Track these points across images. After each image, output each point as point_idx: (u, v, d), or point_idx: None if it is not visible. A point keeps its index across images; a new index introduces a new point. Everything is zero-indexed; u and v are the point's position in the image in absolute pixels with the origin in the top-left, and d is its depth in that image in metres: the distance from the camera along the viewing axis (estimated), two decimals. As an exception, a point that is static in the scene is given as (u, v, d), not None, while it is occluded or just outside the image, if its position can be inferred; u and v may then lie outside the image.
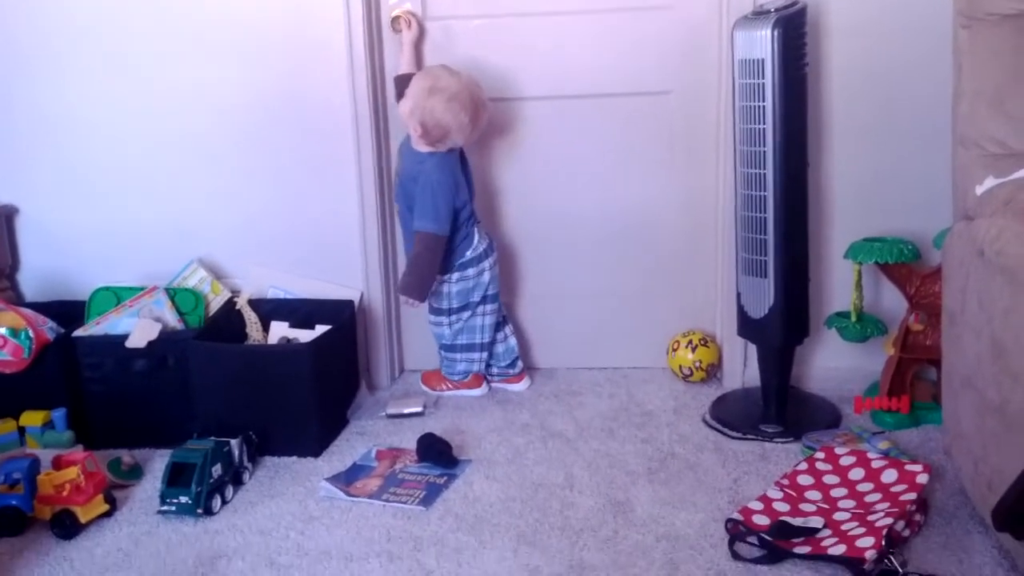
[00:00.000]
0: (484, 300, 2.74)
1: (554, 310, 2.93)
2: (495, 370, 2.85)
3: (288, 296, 2.81)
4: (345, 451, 2.47)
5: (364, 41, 2.67)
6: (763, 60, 2.30)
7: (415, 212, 2.60)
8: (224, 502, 2.21)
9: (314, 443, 2.46)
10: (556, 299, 2.92)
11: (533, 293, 2.93)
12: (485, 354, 2.79)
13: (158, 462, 2.38)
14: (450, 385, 2.81)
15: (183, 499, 2.14)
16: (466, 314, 2.73)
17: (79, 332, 2.57)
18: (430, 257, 2.62)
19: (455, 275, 2.69)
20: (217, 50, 2.73)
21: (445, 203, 2.58)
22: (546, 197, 2.85)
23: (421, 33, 2.73)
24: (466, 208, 2.65)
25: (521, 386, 2.83)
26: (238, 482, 2.29)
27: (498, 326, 2.82)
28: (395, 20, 2.72)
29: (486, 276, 2.71)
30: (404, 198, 2.66)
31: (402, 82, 2.65)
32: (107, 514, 2.17)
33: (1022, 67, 1.84)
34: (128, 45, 2.76)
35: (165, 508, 2.16)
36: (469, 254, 2.68)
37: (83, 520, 2.10)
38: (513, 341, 2.84)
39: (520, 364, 2.86)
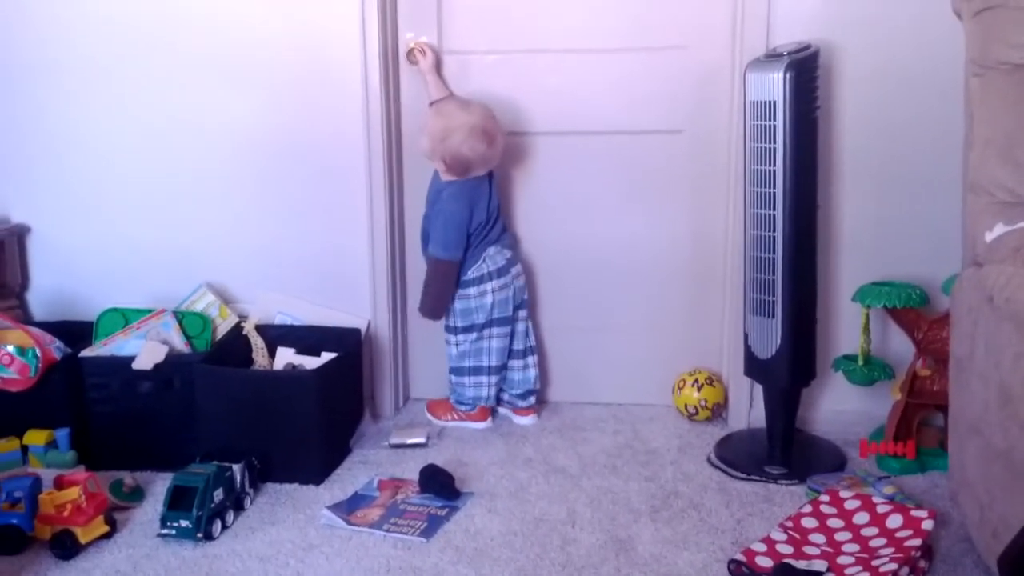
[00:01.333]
0: (491, 323, 2.74)
1: (561, 343, 2.94)
2: (506, 396, 2.85)
3: (295, 323, 2.81)
4: (347, 480, 2.46)
5: (380, 73, 2.70)
6: (775, 102, 2.31)
7: (430, 236, 2.69)
8: (224, 527, 2.20)
9: (316, 471, 2.45)
10: (563, 332, 2.93)
11: (541, 325, 2.94)
12: (495, 378, 2.78)
13: (160, 485, 2.36)
14: (455, 416, 2.81)
15: (183, 523, 2.13)
16: (472, 335, 2.74)
17: (86, 352, 2.58)
18: (441, 280, 2.70)
19: (456, 292, 2.72)
20: (234, 79, 2.77)
21: (456, 231, 2.64)
22: (555, 230, 2.87)
23: (438, 61, 2.77)
24: (480, 231, 2.68)
25: (527, 420, 2.83)
26: (239, 507, 2.28)
27: (517, 353, 2.81)
28: (410, 52, 2.77)
29: (488, 298, 2.72)
30: (426, 220, 2.74)
31: None
32: (107, 536, 2.16)
33: (1033, 116, 1.85)
34: (146, 71, 2.80)
35: (165, 531, 2.15)
36: (471, 274, 2.70)
37: (83, 541, 2.09)
38: (533, 373, 2.83)
39: (533, 399, 2.85)
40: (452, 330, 2.77)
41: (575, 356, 2.93)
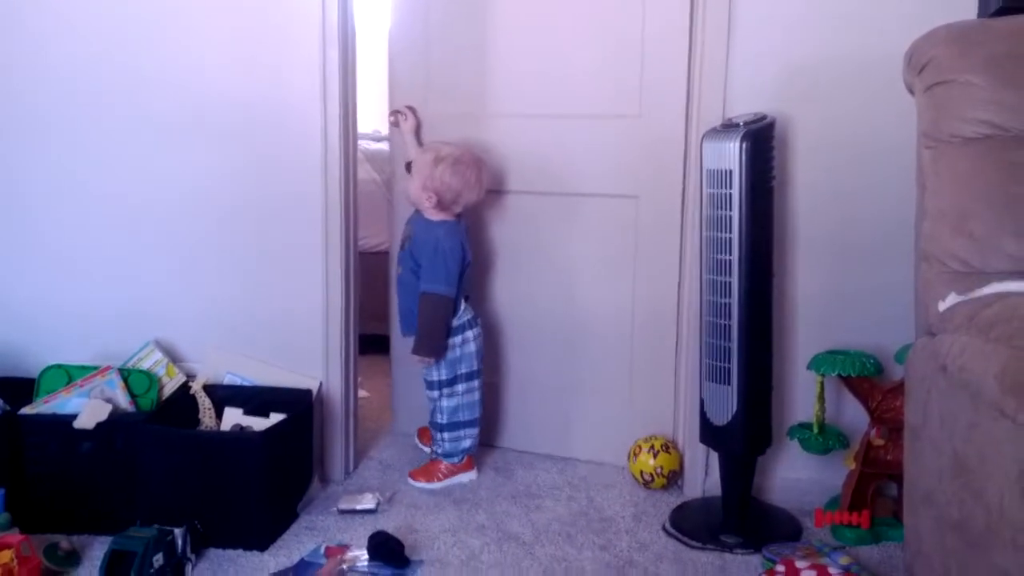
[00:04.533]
0: (474, 374, 2.78)
1: (516, 398, 2.99)
2: None
3: (245, 383, 2.75)
4: (293, 546, 2.39)
5: (339, 131, 2.68)
6: (731, 171, 2.34)
7: (423, 275, 2.70)
8: (164, 594, 2.12)
9: (261, 536, 2.38)
10: (519, 387, 2.98)
11: (501, 380, 3.01)
12: (480, 427, 2.83)
13: (97, 549, 2.28)
14: (445, 474, 2.78)
15: (120, 589, 2.05)
16: (460, 387, 2.76)
17: (25, 410, 2.50)
18: (441, 315, 2.71)
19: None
20: (189, 133, 2.73)
21: (456, 267, 2.69)
22: (514, 288, 2.96)
23: (419, 124, 2.91)
24: (462, 276, 2.73)
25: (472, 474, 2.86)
26: (180, 573, 2.20)
27: None
28: (393, 114, 2.93)
29: (471, 346, 2.76)
30: (409, 261, 2.75)
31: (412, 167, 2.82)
32: (39, 602, 2.08)
33: (983, 188, 1.88)
34: (98, 124, 2.76)
35: (100, 598, 2.07)
36: (454, 323, 2.72)
37: (13, 607, 2.01)
38: None
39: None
40: (436, 385, 2.76)
41: (533, 409, 2.98)
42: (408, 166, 2.83)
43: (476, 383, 2.79)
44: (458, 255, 2.69)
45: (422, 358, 2.72)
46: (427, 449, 2.88)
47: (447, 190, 2.66)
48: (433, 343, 2.70)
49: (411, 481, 2.77)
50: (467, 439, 2.79)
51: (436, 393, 2.76)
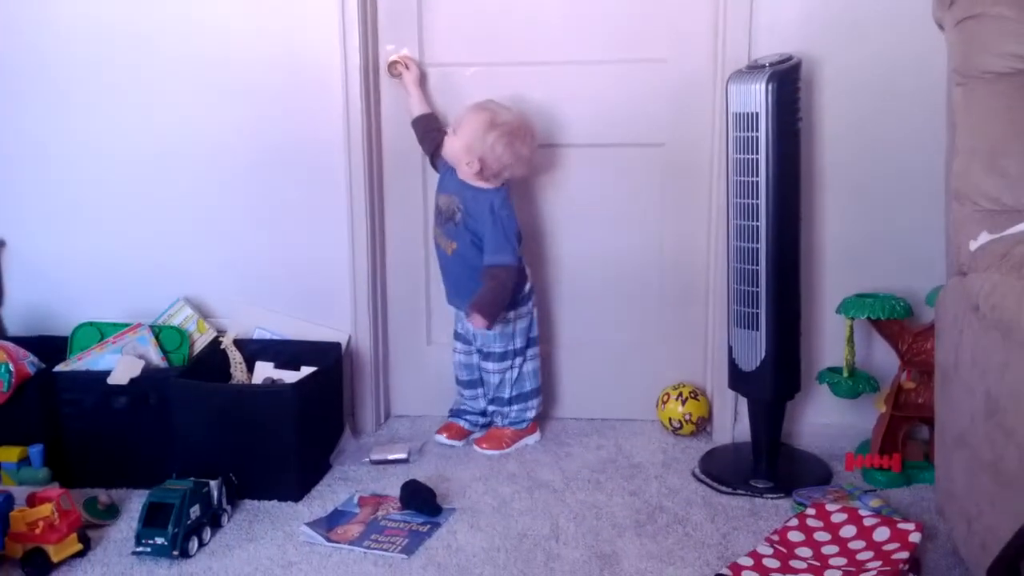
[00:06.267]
0: (537, 339, 2.74)
1: (543, 358, 2.89)
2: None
3: (274, 337, 2.77)
4: (327, 496, 2.42)
5: (360, 85, 2.67)
6: (757, 114, 2.31)
7: (488, 247, 2.56)
8: (201, 544, 2.16)
9: (295, 487, 2.42)
10: (545, 347, 2.88)
11: None
12: None
13: (135, 502, 2.32)
14: (513, 440, 2.71)
15: (159, 540, 2.09)
16: (531, 352, 2.72)
17: (60, 367, 2.53)
18: (511, 286, 2.59)
19: (522, 309, 2.68)
20: (212, 90, 2.73)
21: (516, 236, 2.59)
22: (538, 243, 2.85)
23: (422, 75, 2.74)
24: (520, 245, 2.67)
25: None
26: (216, 524, 2.24)
27: None
28: (392, 65, 2.74)
29: (536, 311, 2.72)
30: (466, 234, 2.59)
31: (421, 124, 2.69)
32: (80, 554, 2.12)
33: (1016, 125, 1.85)
34: (123, 83, 2.76)
35: (140, 549, 2.11)
36: (527, 288, 2.68)
37: (55, 559, 2.04)
38: None
39: None
40: (512, 354, 2.69)
41: (558, 370, 2.91)
42: (416, 124, 2.69)
43: (538, 348, 2.75)
44: (515, 223, 2.58)
45: (482, 319, 2.53)
46: (453, 443, 2.74)
47: (495, 161, 2.51)
48: (495, 312, 2.56)
49: (477, 448, 2.70)
50: (532, 409, 2.73)
51: (509, 363, 2.69)
